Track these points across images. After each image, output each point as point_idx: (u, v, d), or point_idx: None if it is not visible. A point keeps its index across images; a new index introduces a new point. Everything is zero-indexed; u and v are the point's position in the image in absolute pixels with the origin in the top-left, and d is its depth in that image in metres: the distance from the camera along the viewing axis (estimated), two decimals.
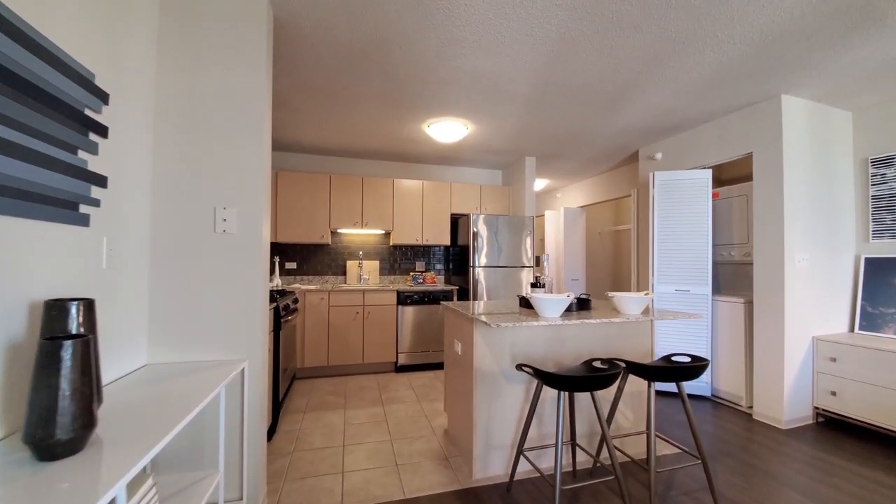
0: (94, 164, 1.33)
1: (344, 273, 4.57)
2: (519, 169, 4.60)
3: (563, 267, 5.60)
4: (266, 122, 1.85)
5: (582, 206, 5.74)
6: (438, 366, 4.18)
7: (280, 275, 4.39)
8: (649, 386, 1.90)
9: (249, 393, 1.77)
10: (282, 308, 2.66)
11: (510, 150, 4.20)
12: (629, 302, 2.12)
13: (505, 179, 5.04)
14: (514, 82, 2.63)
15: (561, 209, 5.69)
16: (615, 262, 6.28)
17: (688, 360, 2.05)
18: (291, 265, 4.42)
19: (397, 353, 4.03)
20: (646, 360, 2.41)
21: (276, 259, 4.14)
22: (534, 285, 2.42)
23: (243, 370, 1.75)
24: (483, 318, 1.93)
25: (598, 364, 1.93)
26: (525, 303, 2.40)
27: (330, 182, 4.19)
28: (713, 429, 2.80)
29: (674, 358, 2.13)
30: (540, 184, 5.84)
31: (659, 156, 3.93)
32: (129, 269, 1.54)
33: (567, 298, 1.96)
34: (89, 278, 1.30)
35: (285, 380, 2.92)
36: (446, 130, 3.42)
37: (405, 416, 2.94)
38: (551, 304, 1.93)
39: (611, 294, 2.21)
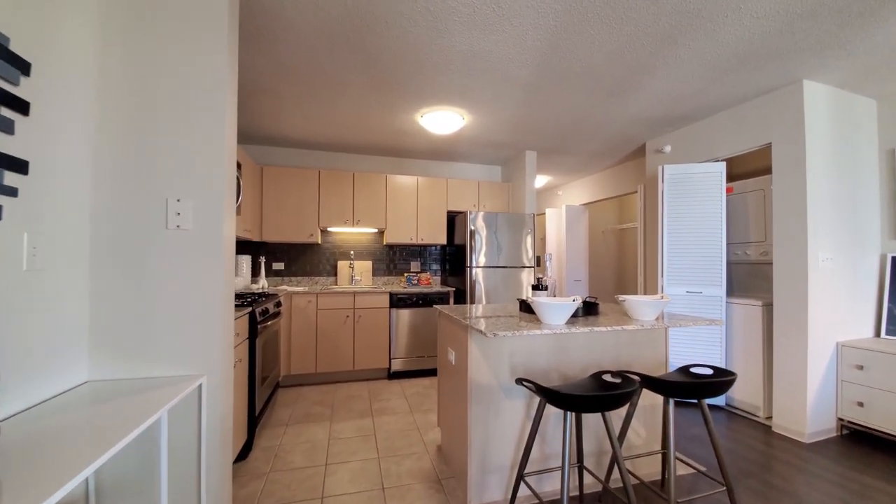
0: (8, 145, 1.10)
1: (335, 274, 4.34)
2: (519, 164, 4.37)
3: (565, 267, 5.37)
4: (230, 102, 1.62)
5: (585, 204, 5.51)
6: (434, 372, 3.95)
7: (266, 276, 4.16)
8: (667, 402, 1.68)
9: (209, 413, 1.54)
10: (259, 313, 2.43)
11: (510, 143, 3.98)
12: (643, 306, 1.89)
13: (504, 175, 4.81)
14: (514, 64, 2.40)
15: (563, 207, 5.46)
16: (619, 263, 6.05)
17: (709, 372, 1.82)
18: (279, 266, 4.19)
19: (390, 359, 3.80)
20: (660, 372, 2.18)
21: (262, 259, 3.91)
22: (535, 287, 2.19)
23: (200, 387, 1.52)
24: (478, 325, 1.70)
25: (608, 378, 1.70)
26: (526, 307, 2.17)
27: (319, 178, 3.96)
28: (730, 443, 2.57)
29: (693, 370, 1.91)
30: (541, 180, 5.61)
31: (668, 149, 3.70)
32: (63, 270, 1.31)
33: (573, 303, 1.73)
34: (2, 282, 1.07)
35: (265, 390, 2.69)
36: (441, 121, 3.19)
37: (396, 429, 2.71)
38: (556, 310, 1.70)
39: (621, 298, 1.98)
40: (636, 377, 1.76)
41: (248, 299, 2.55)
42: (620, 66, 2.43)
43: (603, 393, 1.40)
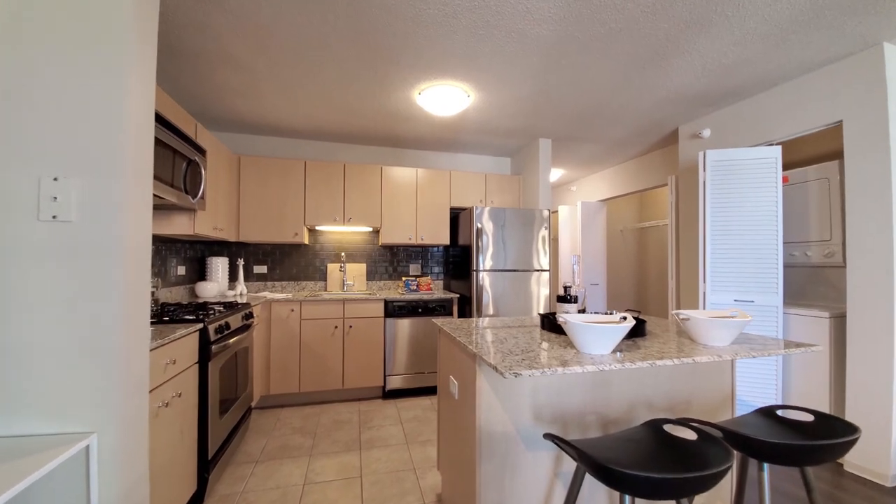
0: None
1: (325, 278, 3.87)
2: (531, 154, 3.88)
3: (580, 268, 4.86)
4: (139, 39, 1.14)
5: (602, 200, 4.99)
6: (436, 390, 3.46)
7: (248, 280, 3.70)
8: (761, 468, 1.17)
9: (107, 484, 1.07)
10: (214, 330, 1.96)
11: (521, 129, 3.48)
12: (715, 328, 1.39)
13: (515, 167, 4.31)
14: (531, 17, 1.91)
15: (578, 203, 4.95)
16: (640, 265, 5.52)
17: (807, 418, 1.32)
18: (261, 269, 3.73)
19: (385, 376, 3.32)
20: (726, 411, 1.68)
21: (241, 262, 3.45)
22: (562, 299, 1.70)
23: (88, 450, 1.05)
24: (490, 355, 1.21)
25: (671, 429, 1.21)
26: (550, 324, 1.67)
27: (305, 169, 3.49)
28: (791, 486, 2.05)
29: (782, 413, 1.40)
30: (554, 174, 5.11)
31: (706, 133, 3.18)
32: None
33: (623, 325, 1.23)
34: None
35: (228, 421, 2.21)
36: (442, 99, 2.71)
37: (387, 468, 2.22)
38: (600, 336, 1.21)
39: (682, 314, 1.48)
40: (715, 430, 1.26)
41: (203, 313, 2.08)
42: (667, 19, 1.92)
43: (684, 475, 0.90)
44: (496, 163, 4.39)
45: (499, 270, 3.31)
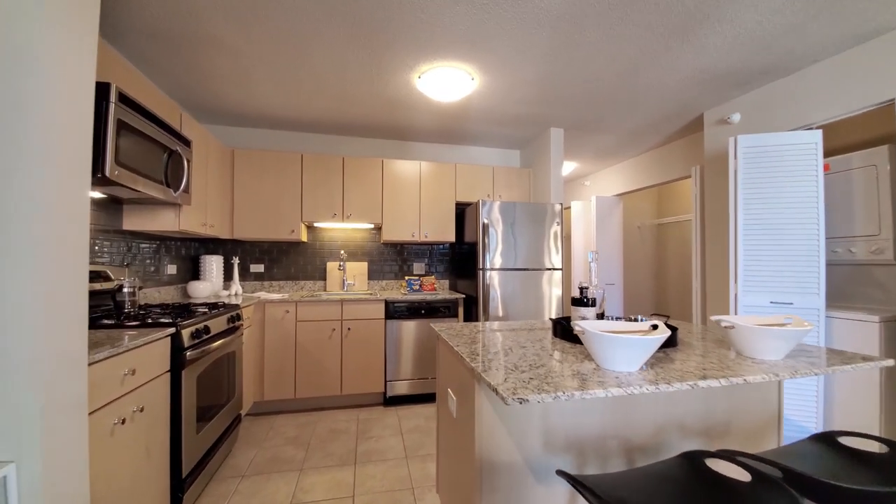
0: None
1: (324, 278, 3.69)
2: (542, 145, 3.63)
3: (598, 268, 4.59)
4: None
5: (619, 195, 4.71)
6: None
7: (244, 280, 3.54)
8: None
9: None
10: (191, 335, 1.78)
11: (531, 117, 3.24)
12: (770, 338, 1.14)
13: (524, 160, 4.07)
14: None
15: (592, 198, 4.68)
16: (658, 264, 5.22)
17: (881, 448, 1.07)
18: (258, 268, 3.57)
19: (386, 381, 3.12)
20: (772, 436, 1.43)
21: (235, 261, 3.29)
22: (578, 301, 1.47)
23: (4, 481, 0.86)
24: (492, 375, 1.00)
25: (716, 466, 0.97)
26: (563, 331, 1.45)
27: (302, 162, 3.31)
28: None
29: (845, 441, 1.15)
30: (566, 168, 4.84)
31: (736, 117, 2.90)
32: None
33: (656, 335, 1.00)
34: None
35: (209, 434, 2.04)
36: (444, 83, 2.49)
37: (382, 487, 2.02)
38: (628, 350, 0.98)
39: (724, 321, 1.24)
40: (771, 468, 1.01)
41: (183, 315, 1.91)
42: None
43: None
44: (504, 155, 4.15)
45: (508, 269, 3.08)
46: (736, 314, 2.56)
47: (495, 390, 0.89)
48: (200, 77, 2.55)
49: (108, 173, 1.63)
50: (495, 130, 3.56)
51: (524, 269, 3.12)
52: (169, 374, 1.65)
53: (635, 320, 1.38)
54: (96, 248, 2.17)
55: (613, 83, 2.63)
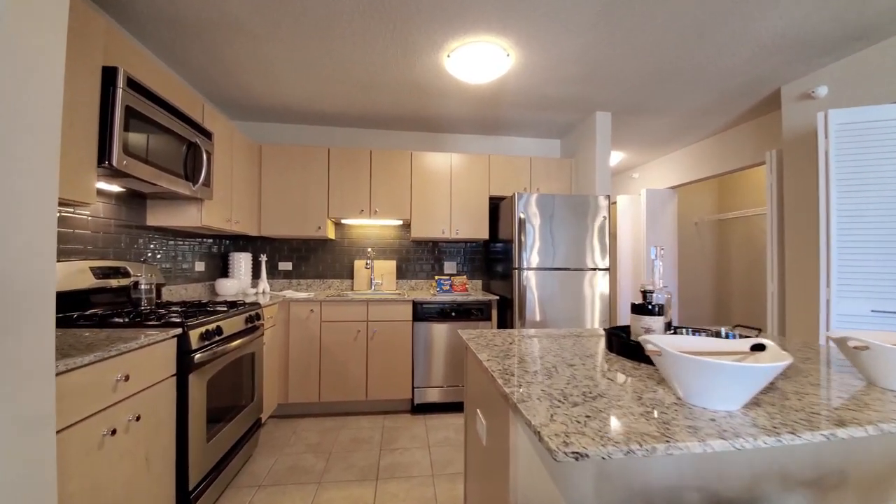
0: None
1: (352, 276, 3.56)
2: (586, 132, 3.29)
3: (644, 270, 4.16)
4: None
5: (673, 187, 4.24)
6: None
7: (272, 278, 3.48)
8: None
9: None
10: (201, 336, 1.65)
11: (574, 100, 2.92)
12: None
13: (565, 150, 3.73)
14: None
15: (642, 192, 4.25)
16: (719, 264, 4.68)
17: None
18: (286, 266, 3.49)
19: (413, 387, 2.92)
20: None
21: (263, 259, 3.22)
22: (641, 308, 1.17)
23: None
24: (533, 407, 0.74)
25: None
26: (621, 345, 1.16)
27: (328, 156, 3.19)
28: None
29: None
30: (612, 158, 4.43)
31: (822, 91, 2.44)
32: None
33: (776, 364, 0.70)
34: None
35: (221, 442, 1.92)
36: (477, 61, 2.25)
37: None
38: (732, 381, 0.70)
39: (852, 339, 0.91)
40: None
41: (196, 314, 1.79)
42: None
43: None
44: (543, 146, 3.83)
45: (546, 269, 2.78)
46: (829, 324, 2.13)
47: (538, 434, 0.64)
48: (223, 67, 2.46)
49: (115, 163, 1.53)
50: (533, 117, 3.26)
51: (564, 269, 2.81)
52: (175, 378, 1.53)
53: (717, 334, 1.08)
54: (121, 244, 2.12)
55: (672, 55, 2.26)
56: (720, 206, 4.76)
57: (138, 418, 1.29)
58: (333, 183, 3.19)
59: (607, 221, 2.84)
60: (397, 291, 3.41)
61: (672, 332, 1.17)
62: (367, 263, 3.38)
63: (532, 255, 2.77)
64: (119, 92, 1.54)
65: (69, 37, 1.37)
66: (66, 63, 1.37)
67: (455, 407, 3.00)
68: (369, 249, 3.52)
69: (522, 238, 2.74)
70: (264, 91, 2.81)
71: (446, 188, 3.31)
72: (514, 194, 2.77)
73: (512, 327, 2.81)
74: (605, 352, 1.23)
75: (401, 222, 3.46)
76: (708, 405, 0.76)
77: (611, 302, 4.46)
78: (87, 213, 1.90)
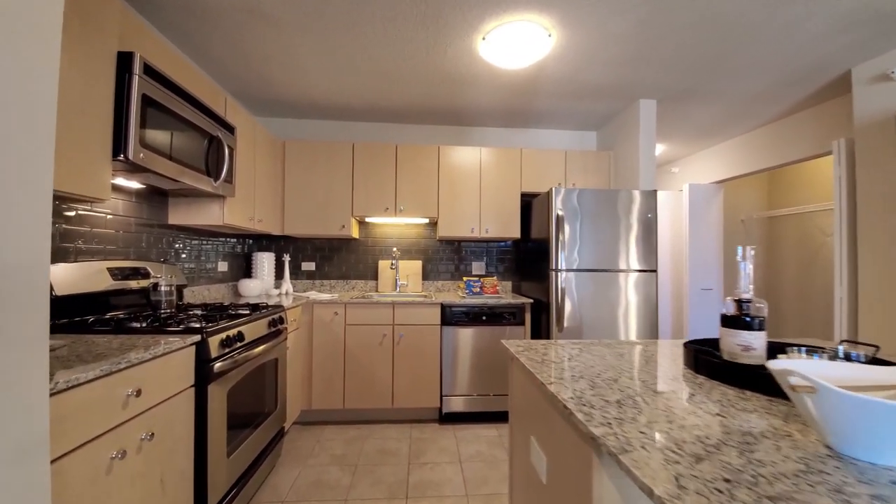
0: None
1: (376, 277, 3.42)
2: (628, 122, 3.05)
3: (686, 270, 3.87)
4: None
5: (718, 182, 3.93)
6: (504, 416, 2.82)
7: (295, 278, 3.38)
8: None
9: None
10: (217, 344, 1.53)
11: (616, 87, 2.69)
12: None
13: (602, 142, 3.49)
14: None
15: (684, 187, 3.95)
16: (769, 266, 4.33)
17: None
18: (309, 266, 3.39)
19: (442, 395, 2.75)
20: None
21: (286, 259, 3.12)
22: (735, 322, 0.96)
23: None
24: (651, 476, 0.55)
25: None
26: (709, 366, 0.96)
27: (353, 152, 3.06)
28: None
29: None
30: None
31: None
32: None
33: None
34: None
35: (244, 454, 1.80)
36: (515, 43, 2.06)
37: None
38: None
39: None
40: None
41: (216, 318, 1.68)
42: None
43: None
44: (578, 138, 3.60)
45: (585, 270, 2.56)
46: None
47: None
48: (244, 57, 2.36)
49: (131, 155, 1.42)
50: (570, 107, 3.04)
51: (605, 271, 2.58)
52: (193, 389, 1.41)
53: (847, 358, 0.86)
54: (142, 243, 2.04)
55: (734, 32, 2.02)
56: (769, 202, 4.40)
57: (152, 436, 1.16)
58: (358, 180, 3.06)
59: (654, 218, 2.60)
60: (423, 293, 3.25)
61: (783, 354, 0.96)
62: (392, 264, 3.23)
63: (570, 255, 2.55)
64: (135, 79, 1.43)
65: (81, 20, 1.26)
66: (77, 47, 1.27)
67: (485, 417, 2.81)
68: (394, 249, 3.38)
69: (560, 236, 2.53)
70: (288, 84, 2.70)
71: (475, 184, 3.13)
72: (551, 189, 2.56)
73: (548, 333, 2.61)
74: (687, 372, 1.03)
75: (427, 221, 3.30)
76: (879, 460, 0.56)
77: (661, 307, 4.20)
78: (107, 210, 1.81)
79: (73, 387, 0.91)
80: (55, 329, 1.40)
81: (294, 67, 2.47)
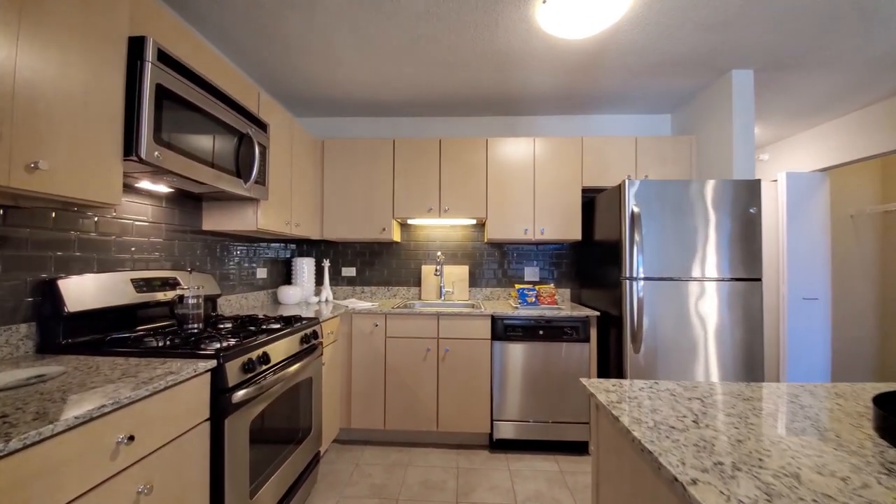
0: None
1: (419, 283, 3.17)
2: (714, 99, 2.55)
3: (783, 276, 3.25)
4: None
5: (823, 170, 3.27)
6: (564, 447, 2.45)
7: (334, 284, 3.22)
8: None
9: None
10: (237, 369, 1.32)
11: (703, 56, 2.23)
12: None
13: (679, 126, 2.99)
14: None
15: (779, 176, 3.33)
16: (886, 270, 3.56)
17: None
18: (349, 272, 3.21)
19: (492, 419, 2.43)
20: None
21: (326, 264, 2.96)
22: None
23: None
24: None
25: None
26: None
27: (393, 149, 2.83)
28: None
29: None
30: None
31: None
32: None
33: None
34: None
35: (273, 489, 1.60)
36: (584, 4, 1.70)
37: None
38: None
39: None
40: None
41: (241, 336, 1.49)
42: None
43: None
44: (649, 123, 3.12)
45: (667, 279, 2.13)
46: None
47: None
48: (278, 47, 2.19)
49: (144, 154, 1.25)
50: (642, 85, 2.60)
51: (695, 280, 2.13)
52: (209, 423, 1.21)
53: None
54: (174, 251, 1.92)
55: None
56: (884, 194, 3.62)
57: (150, 489, 0.96)
58: (399, 179, 2.82)
59: (758, 214, 2.11)
60: (470, 302, 2.95)
61: None
62: (436, 269, 2.96)
63: (649, 260, 2.13)
64: (147, 66, 1.26)
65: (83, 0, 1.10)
66: (78, 30, 1.11)
67: (543, 447, 2.46)
68: (439, 253, 3.11)
69: (636, 238, 2.12)
70: (324, 78, 2.52)
71: (528, 180, 2.77)
72: (623, 181, 2.15)
73: (619, 354, 2.20)
74: (877, 440, 0.64)
75: (474, 222, 3.00)
76: None
77: (769, 325, 3.60)
78: (136, 216, 1.69)
79: (42, 440, 0.71)
80: (65, 349, 1.26)
81: (331, 56, 2.27)
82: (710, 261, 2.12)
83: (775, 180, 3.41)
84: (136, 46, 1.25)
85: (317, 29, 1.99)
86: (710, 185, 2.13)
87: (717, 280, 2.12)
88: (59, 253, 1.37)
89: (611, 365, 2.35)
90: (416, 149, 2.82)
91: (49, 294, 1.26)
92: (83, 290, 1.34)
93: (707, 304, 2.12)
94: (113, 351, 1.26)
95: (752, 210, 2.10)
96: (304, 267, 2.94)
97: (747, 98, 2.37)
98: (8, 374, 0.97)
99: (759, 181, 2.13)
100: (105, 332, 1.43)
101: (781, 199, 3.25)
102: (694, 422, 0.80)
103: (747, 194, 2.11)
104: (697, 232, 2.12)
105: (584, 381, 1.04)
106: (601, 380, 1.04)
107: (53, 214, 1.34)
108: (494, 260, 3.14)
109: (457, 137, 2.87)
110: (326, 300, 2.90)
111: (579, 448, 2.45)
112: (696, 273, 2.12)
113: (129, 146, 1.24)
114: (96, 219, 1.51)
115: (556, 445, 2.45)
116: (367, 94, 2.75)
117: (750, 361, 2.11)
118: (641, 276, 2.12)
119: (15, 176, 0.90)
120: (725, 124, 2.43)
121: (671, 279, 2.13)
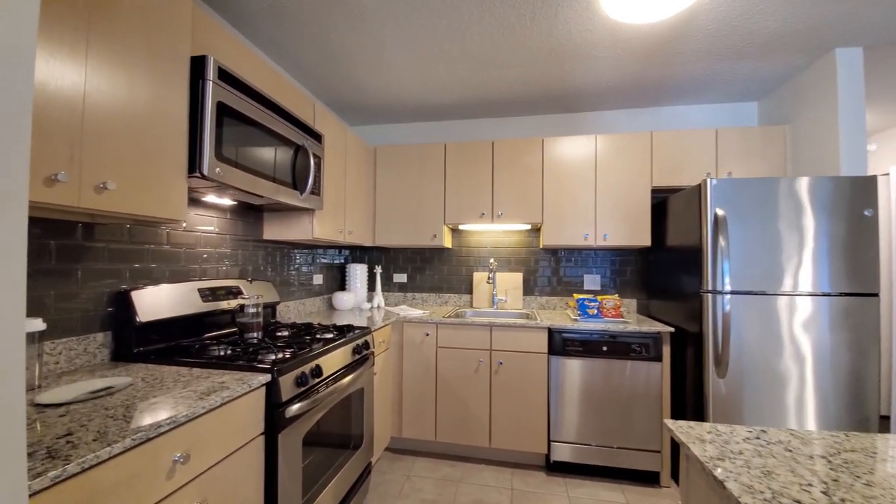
0: None
1: (471, 291, 3.08)
2: (813, 82, 2.19)
3: None
4: None
5: None
6: (629, 475, 2.22)
7: (386, 290, 3.23)
8: None
9: None
10: (291, 382, 1.31)
11: (800, 34, 1.91)
12: None
13: (768, 115, 2.62)
14: None
15: (892, 170, 2.81)
16: None
17: None
18: (401, 278, 3.20)
19: (549, 440, 2.27)
20: None
21: (378, 271, 2.97)
22: None
23: None
24: None
25: None
26: None
27: (445, 154, 2.77)
28: None
29: None
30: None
31: None
32: None
33: None
34: None
35: (328, 500, 1.59)
36: None
37: None
38: None
39: None
40: None
41: (294, 348, 1.49)
42: None
43: None
44: (731, 113, 2.76)
45: (758, 294, 1.84)
46: None
47: None
48: (333, 57, 2.21)
49: (206, 171, 1.28)
50: (724, 71, 2.30)
51: (793, 295, 1.82)
52: (263, 437, 1.20)
53: None
54: (238, 260, 2.00)
55: None
56: None
57: None
58: (451, 184, 2.75)
59: (876, 218, 1.76)
60: (524, 311, 2.80)
61: None
62: (489, 277, 2.85)
63: (736, 271, 1.86)
64: (209, 85, 1.29)
65: (146, 22, 1.14)
66: (143, 52, 1.16)
67: (605, 472, 2.25)
68: (491, 260, 2.99)
69: (720, 245, 1.86)
70: (376, 84, 2.52)
71: (589, 181, 2.57)
72: (705, 180, 1.90)
73: (699, 376, 1.95)
74: None
75: (528, 227, 2.85)
76: None
77: (887, 350, 3.10)
78: (204, 228, 1.78)
79: (93, 466, 0.71)
80: (137, 358, 1.33)
81: (382, 62, 2.25)
82: (807, 272, 1.80)
83: (887, 174, 2.87)
84: (197, 65, 1.29)
85: (370, 35, 1.98)
86: (811, 183, 1.81)
87: (822, 295, 1.79)
88: (136, 265, 1.45)
89: (687, 390, 2.09)
90: (468, 152, 2.73)
91: (123, 305, 1.34)
92: (154, 301, 1.42)
93: (806, 322, 1.80)
94: (178, 360, 1.31)
95: (866, 213, 1.75)
96: (357, 273, 2.97)
97: (856, 80, 2.00)
98: (81, 385, 1.02)
99: (874, 178, 1.78)
100: (175, 340, 1.51)
101: (894, 197, 2.73)
102: (824, 492, 0.63)
103: (859, 193, 1.77)
104: (794, 238, 1.82)
105: (668, 423, 0.88)
106: (690, 423, 0.87)
107: (128, 227, 1.43)
108: (549, 267, 2.96)
109: (510, 139, 2.74)
110: (378, 306, 2.91)
111: (649, 479, 2.21)
112: (787, 286, 1.81)
113: (193, 163, 1.29)
114: (168, 231, 1.59)
115: (620, 473, 2.23)
116: (418, 97, 2.72)
117: (860, 392, 1.76)
118: (727, 289, 1.85)
119: (85, 197, 0.95)
120: (828, 111, 2.07)
121: (761, 294, 1.83)
